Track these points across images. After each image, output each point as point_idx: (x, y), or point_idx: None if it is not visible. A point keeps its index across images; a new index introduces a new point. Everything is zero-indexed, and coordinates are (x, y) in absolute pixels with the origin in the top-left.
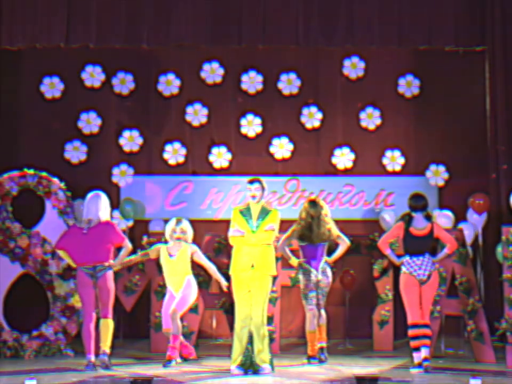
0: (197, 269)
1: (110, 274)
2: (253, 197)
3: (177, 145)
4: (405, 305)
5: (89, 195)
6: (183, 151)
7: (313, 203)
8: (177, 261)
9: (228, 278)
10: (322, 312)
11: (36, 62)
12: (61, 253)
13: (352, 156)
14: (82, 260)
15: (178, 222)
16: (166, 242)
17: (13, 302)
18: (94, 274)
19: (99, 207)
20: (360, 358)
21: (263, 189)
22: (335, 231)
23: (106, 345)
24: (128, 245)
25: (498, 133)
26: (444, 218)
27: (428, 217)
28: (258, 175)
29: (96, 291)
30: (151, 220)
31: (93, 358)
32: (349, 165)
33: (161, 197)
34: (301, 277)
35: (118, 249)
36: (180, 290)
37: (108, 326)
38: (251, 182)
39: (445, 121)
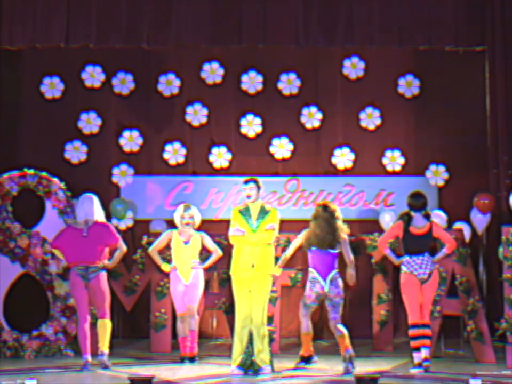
0: None
1: (102, 275)
2: (248, 196)
3: (177, 145)
4: (405, 306)
5: (81, 198)
6: (183, 151)
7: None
8: (190, 247)
9: (228, 278)
10: (340, 327)
11: (36, 62)
12: (55, 251)
13: (352, 156)
14: (75, 259)
15: (187, 208)
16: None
17: (13, 302)
18: (86, 275)
19: (94, 207)
20: (360, 358)
21: (258, 188)
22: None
23: (104, 346)
24: (122, 247)
25: (498, 133)
26: (436, 218)
27: (427, 216)
28: (258, 175)
29: (89, 293)
30: (151, 220)
31: (89, 358)
32: (349, 165)
33: (161, 197)
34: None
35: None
36: (189, 279)
37: (106, 326)
38: (245, 182)
39: (445, 121)
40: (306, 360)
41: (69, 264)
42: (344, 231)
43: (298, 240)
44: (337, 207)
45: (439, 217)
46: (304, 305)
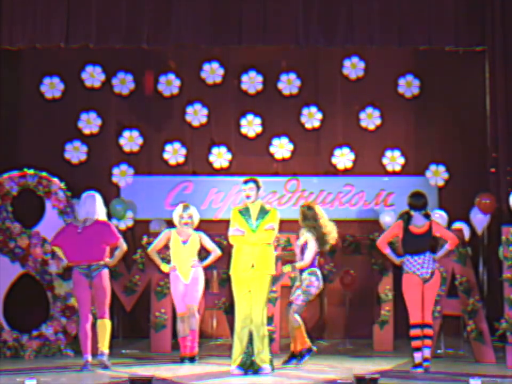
0: None
1: (105, 273)
2: (247, 197)
3: (177, 145)
4: (407, 306)
5: (84, 195)
6: (183, 151)
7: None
8: (189, 247)
9: (228, 278)
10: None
11: (36, 62)
12: (56, 249)
13: (352, 156)
14: (76, 258)
15: (186, 207)
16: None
17: (13, 302)
18: (89, 274)
19: (95, 206)
20: (360, 358)
21: (257, 188)
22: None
23: (104, 346)
24: (123, 245)
25: (498, 133)
26: (436, 216)
27: (427, 216)
28: (258, 175)
29: (92, 291)
30: (151, 220)
31: (89, 358)
32: (349, 165)
33: (161, 197)
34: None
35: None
36: (189, 278)
37: (105, 326)
38: (245, 182)
39: (445, 121)
40: (307, 352)
41: (70, 263)
42: (334, 230)
43: (313, 246)
44: (319, 206)
45: (440, 216)
46: (305, 304)
